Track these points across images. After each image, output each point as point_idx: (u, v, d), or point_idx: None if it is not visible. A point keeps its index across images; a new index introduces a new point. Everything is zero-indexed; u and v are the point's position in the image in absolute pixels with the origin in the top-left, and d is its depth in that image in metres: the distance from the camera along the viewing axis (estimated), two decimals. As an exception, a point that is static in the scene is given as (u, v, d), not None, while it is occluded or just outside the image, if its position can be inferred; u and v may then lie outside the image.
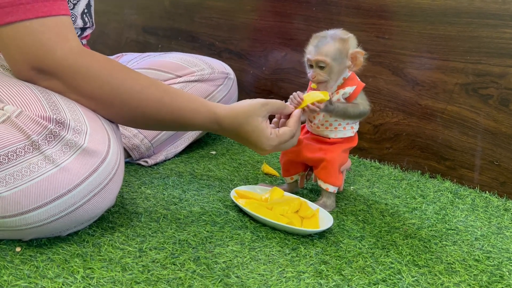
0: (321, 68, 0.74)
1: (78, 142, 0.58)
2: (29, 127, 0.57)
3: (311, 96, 0.74)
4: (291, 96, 0.76)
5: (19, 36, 0.60)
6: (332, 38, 0.74)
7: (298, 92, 0.76)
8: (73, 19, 0.79)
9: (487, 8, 0.90)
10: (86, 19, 0.83)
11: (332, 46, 0.73)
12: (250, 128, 0.70)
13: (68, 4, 0.76)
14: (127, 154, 0.95)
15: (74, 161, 0.57)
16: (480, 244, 0.73)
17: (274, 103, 0.73)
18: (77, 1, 0.79)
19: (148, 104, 0.66)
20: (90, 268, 0.57)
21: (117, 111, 0.66)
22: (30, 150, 0.56)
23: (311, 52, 0.74)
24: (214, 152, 1.07)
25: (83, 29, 0.84)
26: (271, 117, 0.75)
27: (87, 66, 0.63)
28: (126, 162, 0.95)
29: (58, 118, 0.58)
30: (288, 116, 0.75)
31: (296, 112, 0.75)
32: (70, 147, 0.58)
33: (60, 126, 0.58)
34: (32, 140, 0.57)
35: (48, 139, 0.57)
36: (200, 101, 0.71)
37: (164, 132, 0.97)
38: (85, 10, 0.83)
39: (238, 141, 0.74)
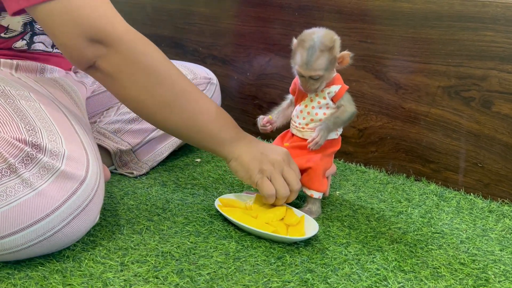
0: (314, 79, 0.74)
1: (55, 165, 0.57)
2: (5, 149, 0.55)
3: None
4: None
5: (74, 8, 0.60)
6: (320, 49, 0.72)
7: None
8: None
9: (467, 11, 0.90)
10: None
11: (322, 59, 0.72)
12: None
13: None
14: (111, 161, 0.93)
15: (51, 184, 0.56)
16: (465, 247, 0.73)
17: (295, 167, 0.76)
18: None
19: (186, 97, 0.69)
20: (69, 284, 0.56)
21: (160, 93, 0.67)
22: (7, 173, 0.55)
23: (302, 67, 0.73)
24: (199, 160, 1.06)
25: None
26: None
27: (145, 44, 0.66)
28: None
29: (34, 140, 0.57)
30: None
31: None
32: (48, 170, 0.56)
33: (37, 149, 0.57)
34: (9, 163, 0.55)
35: (25, 162, 0.55)
36: (225, 134, 0.72)
37: (145, 138, 0.96)
38: None
39: (246, 155, 0.73)
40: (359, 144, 1.09)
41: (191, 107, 0.69)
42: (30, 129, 0.58)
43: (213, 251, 0.66)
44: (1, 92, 0.65)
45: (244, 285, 0.59)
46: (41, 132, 0.58)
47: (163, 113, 0.69)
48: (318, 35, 0.73)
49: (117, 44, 0.63)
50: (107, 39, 0.62)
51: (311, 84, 0.75)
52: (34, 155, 0.56)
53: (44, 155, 0.56)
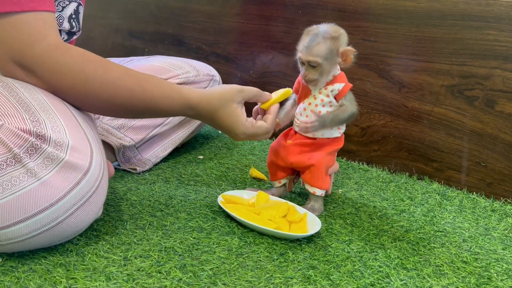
0: (313, 67, 0.74)
1: (60, 155, 0.57)
2: (10, 140, 0.56)
3: (277, 95, 0.78)
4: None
5: (4, 30, 0.61)
6: (323, 36, 0.73)
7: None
8: (60, 20, 0.78)
9: (471, 10, 0.90)
10: (73, 23, 0.82)
11: (323, 46, 0.73)
12: (225, 113, 0.73)
13: (57, 7, 0.76)
14: (114, 157, 0.93)
15: (55, 174, 0.56)
16: (468, 245, 0.73)
17: (250, 90, 0.75)
18: (66, 5, 0.78)
19: (120, 94, 0.67)
20: (73, 278, 0.56)
21: (93, 103, 0.68)
22: (12, 163, 0.55)
23: (302, 51, 0.74)
24: (201, 157, 1.06)
25: (69, 34, 0.83)
26: (250, 107, 0.79)
27: (61, 62, 0.64)
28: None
29: (38, 131, 0.57)
30: (264, 112, 0.78)
31: (274, 108, 0.77)
32: (52, 160, 0.56)
33: (41, 139, 0.57)
34: (14, 153, 0.55)
35: (29, 152, 0.56)
36: (173, 87, 0.72)
37: (148, 134, 0.96)
38: (73, 16, 0.82)
39: (213, 126, 0.76)
40: (361, 143, 1.09)
41: (130, 106, 0.69)
42: (34, 120, 0.58)
43: (216, 247, 0.66)
44: (5, 84, 0.65)
45: (246, 281, 0.59)
46: (45, 123, 0.59)
47: (108, 113, 0.74)
48: (324, 26, 0.75)
49: (37, 70, 0.63)
50: (26, 64, 0.62)
51: (309, 73, 0.75)
52: (39, 145, 0.56)
53: (49, 146, 0.57)
